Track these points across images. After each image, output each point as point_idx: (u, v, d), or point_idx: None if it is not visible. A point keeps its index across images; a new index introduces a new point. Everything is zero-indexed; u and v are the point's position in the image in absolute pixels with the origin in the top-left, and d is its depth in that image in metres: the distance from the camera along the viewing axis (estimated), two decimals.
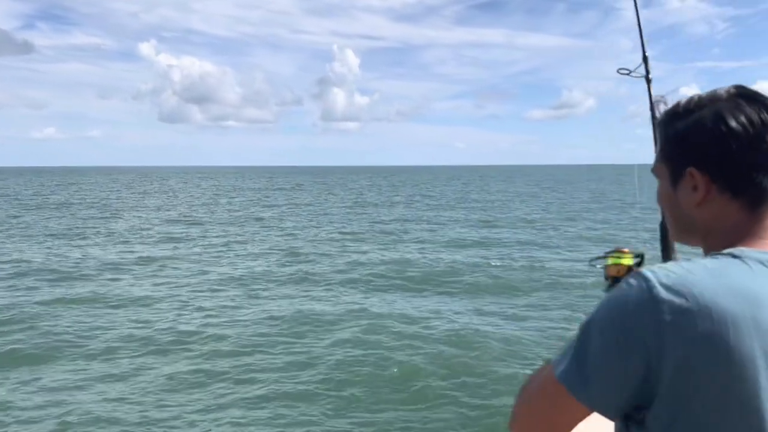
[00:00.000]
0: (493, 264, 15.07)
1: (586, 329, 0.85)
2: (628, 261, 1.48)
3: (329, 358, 8.00)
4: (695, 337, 0.77)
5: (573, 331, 0.88)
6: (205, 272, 14.23)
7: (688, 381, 0.78)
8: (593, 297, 9.91)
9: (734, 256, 0.85)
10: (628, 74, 2.14)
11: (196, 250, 17.96)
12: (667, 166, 0.98)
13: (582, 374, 0.83)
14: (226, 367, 7.71)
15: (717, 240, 0.92)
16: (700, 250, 0.98)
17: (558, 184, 71.87)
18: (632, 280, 0.83)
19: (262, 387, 7.08)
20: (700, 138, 0.91)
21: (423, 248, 18.04)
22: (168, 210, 33.20)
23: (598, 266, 1.52)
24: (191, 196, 48.91)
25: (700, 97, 0.95)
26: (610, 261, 1.49)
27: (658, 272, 0.82)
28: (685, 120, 0.94)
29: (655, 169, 1.02)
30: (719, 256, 0.86)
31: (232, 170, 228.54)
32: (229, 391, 7.02)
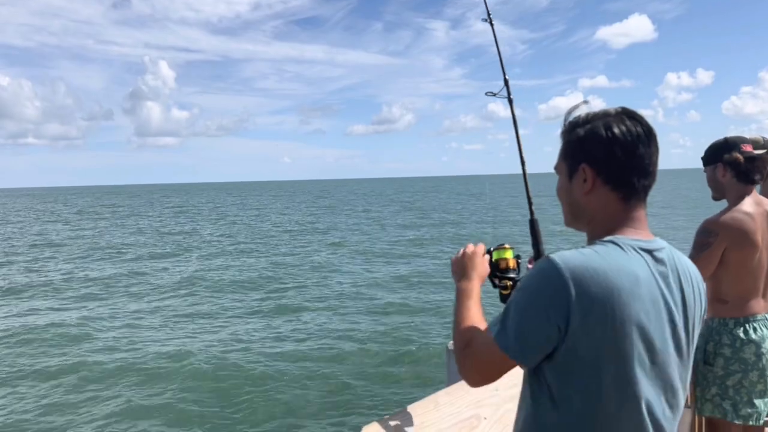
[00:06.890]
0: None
1: (516, 304, 1.18)
2: (509, 254, 1.74)
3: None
4: (592, 302, 1.11)
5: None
6: None
7: (584, 334, 1.12)
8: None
9: (614, 243, 1.19)
10: (494, 96, 2.30)
11: None
12: (566, 163, 1.30)
13: (516, 338, 1.17)
14: None
15: (599, 226, 1.25)
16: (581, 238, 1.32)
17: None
18: (544, 265, 1.15)
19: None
20: (592, 141, 1.24)
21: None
22: None
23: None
24: None
25: (596, 112, 1.27)
26: (496, 256, 1.72)
27: (563, 256, 1.14)
28: (584, 127, 1.26)
29: (556, 167, 1.33)
30: (603, 243, 1.19)
31: (28, 192, 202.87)
32: None
